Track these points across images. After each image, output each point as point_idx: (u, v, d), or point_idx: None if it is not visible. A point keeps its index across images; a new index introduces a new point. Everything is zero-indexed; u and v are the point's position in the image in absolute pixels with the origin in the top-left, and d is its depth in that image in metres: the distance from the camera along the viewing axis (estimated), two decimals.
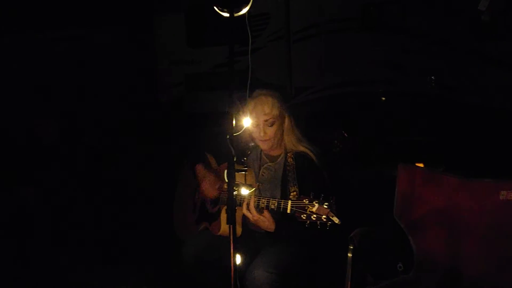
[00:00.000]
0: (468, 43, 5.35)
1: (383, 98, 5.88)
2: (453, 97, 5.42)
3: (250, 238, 2.33)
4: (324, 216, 1.86)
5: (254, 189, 2.15)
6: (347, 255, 2.04)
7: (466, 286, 2.07)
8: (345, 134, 5.94)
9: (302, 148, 2.31)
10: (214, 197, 2.36)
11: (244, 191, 2.08)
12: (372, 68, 5.82)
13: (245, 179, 2.18)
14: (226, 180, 1.80)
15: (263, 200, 2.06)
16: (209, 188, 2.34)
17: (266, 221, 2.10)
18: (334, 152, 5.83)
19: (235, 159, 1.77)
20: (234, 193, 1.76)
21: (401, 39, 5.67)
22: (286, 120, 2.31)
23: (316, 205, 1.87)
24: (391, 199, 2.29)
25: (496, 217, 2.06)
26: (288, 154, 2.32)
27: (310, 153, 2.29)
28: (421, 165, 2.58)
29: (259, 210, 2.08)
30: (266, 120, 2.26)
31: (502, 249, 2.05)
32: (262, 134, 2.27)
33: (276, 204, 2.02)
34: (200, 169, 2.44)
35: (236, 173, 1.83)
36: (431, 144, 5.20)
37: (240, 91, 1.92)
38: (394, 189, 2.29)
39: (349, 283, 1.99)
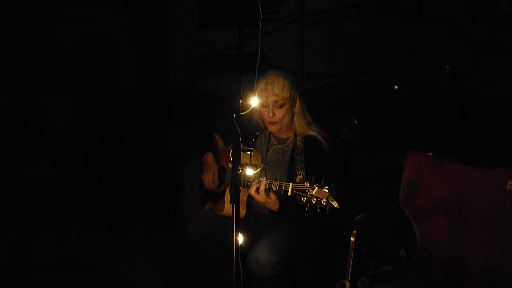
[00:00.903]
0: (485, 33, 5.24)
1: (396, 87, 5.80)
2: (467, 87, 5.33)
3: (254, 220, 2.34)
4: (323, 200, 1.84)
5: (259, 169, 2.14)
6: (350, 239, 2.03)
7: (470, 275, 2.06)
8: (356, 122, 5.90)
9: (312, 132, 2.29)
10: (212, 189, 2.41)
11: (249, 172, 2.07)
12: (386, 55, 5.73)
13: (250, 160, 2.17)
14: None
15: (266, 182, 2.05)
16: (207, 181, 2.41)
17: (271, 203, 2.11)
18: (344, 139, 5.80)
19: (241, 139, 1.77)
20: (238, 173, 1.76)
21: (417, 27, 5.57)
22: (297, 104, 2.29)
23: (316, 188, 1.85)
24: (397, 188, 2.28)
25: (504, 207, 2.04)
26: (298, 138, 2.31)
27: (320, 138, 2.27)
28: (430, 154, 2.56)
29: (265, 192, 2.07)
30: (275, 101, 2.24)
31: (508, 239, 2.03)
32: (270, 115, 2.25)
33: (277, 186, 2.01)
34: (208, 158, 2.47)
35: (241, 153, 1.82)
36: (441, 134, 5.14)
37: (250, 74, 1.91)
38: (401, 178, 2.27)
39: (351, 266, 1.99)
